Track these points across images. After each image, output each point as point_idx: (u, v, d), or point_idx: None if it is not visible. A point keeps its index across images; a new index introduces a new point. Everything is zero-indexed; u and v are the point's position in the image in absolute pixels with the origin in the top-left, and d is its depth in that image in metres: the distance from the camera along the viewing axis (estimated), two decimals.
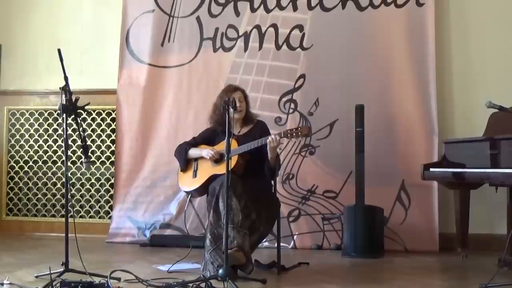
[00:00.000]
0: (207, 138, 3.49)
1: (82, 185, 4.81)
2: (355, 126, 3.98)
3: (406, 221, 4.15)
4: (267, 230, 3.29)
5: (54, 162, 4.86)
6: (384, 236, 3.97)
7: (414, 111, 4.23)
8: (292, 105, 4.38)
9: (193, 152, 3.44)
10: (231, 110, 3.03)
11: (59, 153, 4.83)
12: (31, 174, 4.86)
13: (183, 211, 4.10)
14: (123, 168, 4.57)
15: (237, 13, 4.48)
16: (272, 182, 3.40)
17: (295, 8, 4.40)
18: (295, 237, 4.27)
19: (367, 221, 3.86)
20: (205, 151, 3.37)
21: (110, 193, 4.73)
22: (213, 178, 3.26)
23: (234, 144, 3.24)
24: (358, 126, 3.97)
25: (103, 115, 4.81)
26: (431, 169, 3.57)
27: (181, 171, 3.48)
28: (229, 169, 2.87)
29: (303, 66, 4.39)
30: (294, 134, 3.10)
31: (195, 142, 3.51)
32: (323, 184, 4.28)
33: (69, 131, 4.63)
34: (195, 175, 3.40)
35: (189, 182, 3.41)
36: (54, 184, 4.85)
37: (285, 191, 4.31)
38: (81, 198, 4.80)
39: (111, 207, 4.67)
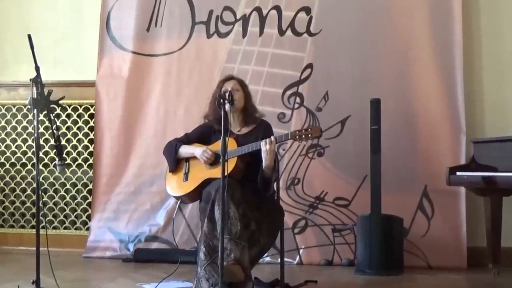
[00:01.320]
0: (201, 136, 3.49)
1: (56, 191, 4.81)
2: (370, 123, 3.97)
3: (429, 233, 4.16)
4: (269, 243, 3.28)
5: (24, 165, 4.86)
6: (403, 250, 3.97)
7: (438, 105, 4.24)
8: (298, 99, 4.39)
9: (185, 151, 3.43)
10: (227, 104, 3.06)
11: (29, 154, 4.83)
12: None
13: (172, 221, 4.10)
14: (103, 172, 4.59)
15: None
16: (275, 188, 3.40)
17: None
18: (301, 251, 4.28)
19: (384, 232, 3.86)
20: (199, 151, 3.35)
21: (87, 201, 4.74)
22: (207, 182, 3.25)
23: (232, 144, 3.25)
24: (373, 123, 3.96)
25: (80, 110, 4.81)
26: (458, 173, 3.57)
27: (169, 172, 3.47)
28: (226, 172, 2.88)
29: (310, 54, 4.40)
30: (303, 136, 3.09)
31: (187, 140, 3.50)
32: (334, 190, 4.29)
33: (41, 129, 4.72)
34: (186, 178, 3.39)
35: (179, 186, 3.40)
36: (24, 190, 4.85)
37: (289, 198, 4.31)
38: (54, 207, 4.80)
39: (89, 217, 4.67)
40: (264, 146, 3.13)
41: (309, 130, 3.10)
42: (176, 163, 3.44)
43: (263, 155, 3.15)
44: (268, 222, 3.23)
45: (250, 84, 3.69)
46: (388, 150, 4.07)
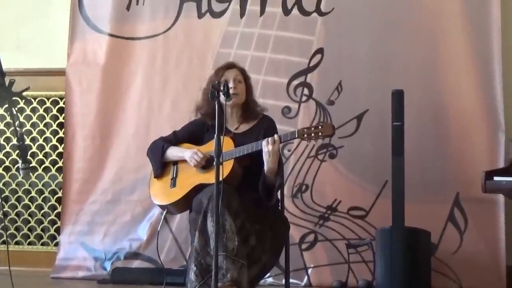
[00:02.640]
0: (192, 134, 3.51)
1: (19, 199, 4.82)
2: (391, 119, 3.87)
3: (462, 249, 4.16)
4: (271, 261, 3.29)
5: None
6: (431, 269, 3.93)
7: (471, 98, 4.25)
8: (306, 91, 4.39)
9: (173, 153, 3.45)
10: (222, 97, 3.06)
11: None
12: None
13: (157, 235, 3.99)
14: (74, 177, 4.59)
15: None
16: (279, 196, 3.41)
17: None
18: (309, 270, 4.28)
19: (408, 249, 3.80)
20: (189, 153, 3.37)
21: (56, 211, 4.74)
22: (198, 189, 3.27)
23: (229, 144, 3.26)
24: (395, 120, 3.87)
25: (48, 104, 4.83)
26: (496, 178, 3.54)
27: (154, 177, 3.49)
28: (221, 177, 2.89)
29: (321, 38, 4.40)
30: (313, 135, 3.10)
31: (176, 139, 3.52)
32: (348, 199, 4.29)
33: (1, 126, 4.75)
34: (173, 184, 3.41)
35: (165, 193, 3.41)
36: None
37: (296, 208, 4.31)
38: (17, 218, 4.80)
39: (58, 230, 4.68)
40: (266, 147, 3.13)
41: (320, 127, 3.10)
42: (162, 166, 3.46)
43: (265, 157, 3.15)
44: (270, 236, 3.23)
45: (249, 73, 3.69)
46: (413, 151, 4.04)
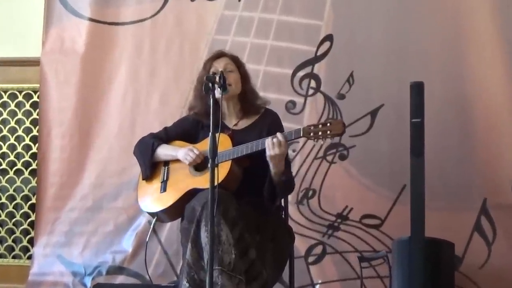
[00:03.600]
0: (186, 132, 3.51)
1: None
2: (410, 115, 3.86)
3: (490, 263, 4.14)
4: (274, 277, 3.26)
5: None
6: (455, 285, 3.91)
7: (500, 92, 4.24)
8: (313, 83, 4.39)
9: (164, 152, 3.45)
10: (218, 90, 3.03)
11: None
12: None
13: (144, 247, 3.97)
14: (50, 181, 4.60)
15: None
16: (282, 203, 3.42)
17: None
18: (317, 287, 4.28)
19: (429, 262, 3.80)
20: (182, 152, 3.36)
21: (30, 219, 4.73)
22: (192, 193, 3.24)
23: (226, 142, 3.25)
24: (414, 116, 3.86)
25: (20, 98, 4.82)
26: None
27: (143, 179, 3.49)
28: (217, 181, 2.87)
29: (330, 23, 4.40)
30: (320, 134, 3.07)
31: (167, 136, 3.52)
32: (361, 205, 4.29)
33: None
34: (163, 188, 3.40)
35: (155, 198, 3.41)
36: None
37: (301, 216, 4.32)
38: None
39: (31, 241, 4.67)
40: (272, 150, 3.08)
41: (328, 125, 3.07)
42: (152, 167, 3.46)
43: (270, 161, 3.12)
44: (272, 248, 3.23)
45: (249, 63, 3.69)
46: (434, 151, 4.04)
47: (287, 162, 3.29)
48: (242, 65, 3.51)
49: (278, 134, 3.12)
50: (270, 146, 3.09)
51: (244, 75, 3.48)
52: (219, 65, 3.40)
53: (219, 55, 3.49)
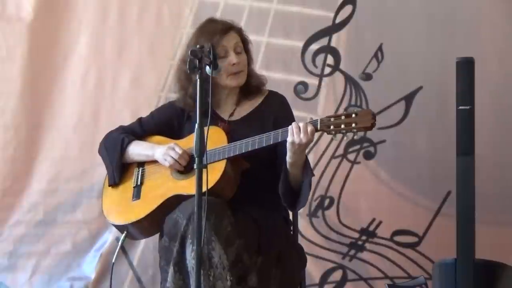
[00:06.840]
0: (167, 124, 3.49)
1: None
2: (456, 101, 3.77)
3: None
4: None
5: None
6: None
7: None
8: (330, 59, 4.34)
9: (137, 151, 3.42)
10: (207, 69, 2.94)
11: None
12: None
13: (110, 271, 3.74)
14: None
15: None
16: (291, 214, 3.39)
17: None
18: None
19: None
20: (162, 149, 3.31)
21: None
22: (174, 202, 3.17)
23: (219, 137, 3.24)
24: (462, 102, 3.76)
25: None
26: None
27: (109, 184, 3.43)
28: (206, 187, 2.80)
29: None
30: (343, 127, 2.99)
31: (142, 130, 3.50)
32: (392, 219, 4.29)
33: None
34: (136, 195, 3.36)
35: (125, 208, 3.37)
36: None
37: (315, 232, 4.33)
38: None
39: None
40: (297, 135, 3.01)
41: (353, 116, 2.96)
42: (121, 170, 3.43)
43: (291, 148, 3.04)
44: (279, 273, 3.21)
45: (247, 33, 3.53)
46: (488, 148, 4.09)
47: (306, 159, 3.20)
48: (248, 42, 3.44)
49: (308, 123, 3.05)
50: (295, 130, 3.02)
51: (250, 56, 3.42)
52: (228, 43, 3.30)
53: (228, 27, 3.34)
